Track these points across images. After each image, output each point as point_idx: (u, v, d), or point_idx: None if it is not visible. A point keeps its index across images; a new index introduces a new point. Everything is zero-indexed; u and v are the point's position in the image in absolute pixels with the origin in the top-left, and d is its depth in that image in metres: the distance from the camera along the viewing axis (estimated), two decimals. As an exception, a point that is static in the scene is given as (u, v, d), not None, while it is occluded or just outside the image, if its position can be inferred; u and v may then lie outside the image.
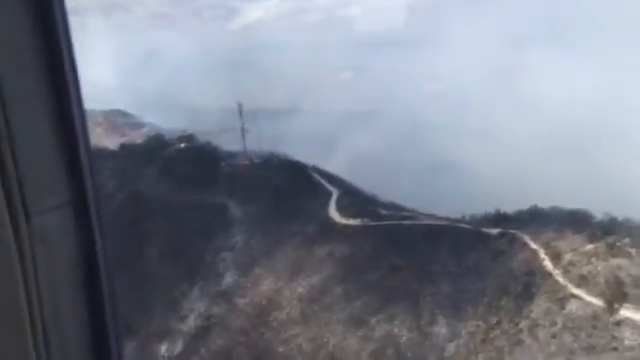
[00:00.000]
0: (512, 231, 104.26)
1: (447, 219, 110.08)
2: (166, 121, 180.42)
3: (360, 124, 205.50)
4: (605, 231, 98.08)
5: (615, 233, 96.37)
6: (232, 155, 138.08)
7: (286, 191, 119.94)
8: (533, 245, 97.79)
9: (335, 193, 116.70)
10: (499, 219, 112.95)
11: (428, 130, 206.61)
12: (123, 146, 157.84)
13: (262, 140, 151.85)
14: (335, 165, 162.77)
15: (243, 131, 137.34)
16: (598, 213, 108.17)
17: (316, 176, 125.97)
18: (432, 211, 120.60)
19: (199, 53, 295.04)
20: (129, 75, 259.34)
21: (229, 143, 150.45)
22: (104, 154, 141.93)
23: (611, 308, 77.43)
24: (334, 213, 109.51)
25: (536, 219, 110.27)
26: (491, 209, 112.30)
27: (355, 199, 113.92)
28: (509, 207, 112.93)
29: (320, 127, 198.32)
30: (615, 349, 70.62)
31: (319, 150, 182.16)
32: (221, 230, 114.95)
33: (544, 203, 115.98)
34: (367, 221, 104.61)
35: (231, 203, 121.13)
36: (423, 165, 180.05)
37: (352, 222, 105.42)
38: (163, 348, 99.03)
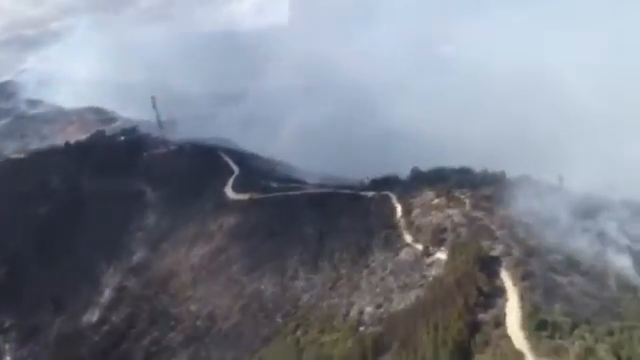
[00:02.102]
0: (385, 193, 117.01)
1: (333, 186, 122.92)
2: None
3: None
4: (459, 184, 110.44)
5: (469, 186, 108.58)
6: (155, 144, 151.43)
7: (195, 174, 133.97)
8: (396, 204, 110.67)
9: (236, 172, 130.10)
10: (384, 181, 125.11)
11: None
12: (68, 143, 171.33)
13: (190, 128, 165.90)
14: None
15: (160, 122, 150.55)
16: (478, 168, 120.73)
17: (225, 157, 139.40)
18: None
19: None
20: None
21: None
22: (55, 151, 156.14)
23: (427, 252, 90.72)
24: (229, 190, 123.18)
25: (416, 179, 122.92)
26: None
27: (251, 176, 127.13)
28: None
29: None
30: (421, 286, 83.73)
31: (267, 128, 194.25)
32: (137, 213, 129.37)
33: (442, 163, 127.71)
34: (255, 195, 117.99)
35: (148, 189, 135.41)
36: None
37: (242, 197, 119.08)
38: (84, 319, 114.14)
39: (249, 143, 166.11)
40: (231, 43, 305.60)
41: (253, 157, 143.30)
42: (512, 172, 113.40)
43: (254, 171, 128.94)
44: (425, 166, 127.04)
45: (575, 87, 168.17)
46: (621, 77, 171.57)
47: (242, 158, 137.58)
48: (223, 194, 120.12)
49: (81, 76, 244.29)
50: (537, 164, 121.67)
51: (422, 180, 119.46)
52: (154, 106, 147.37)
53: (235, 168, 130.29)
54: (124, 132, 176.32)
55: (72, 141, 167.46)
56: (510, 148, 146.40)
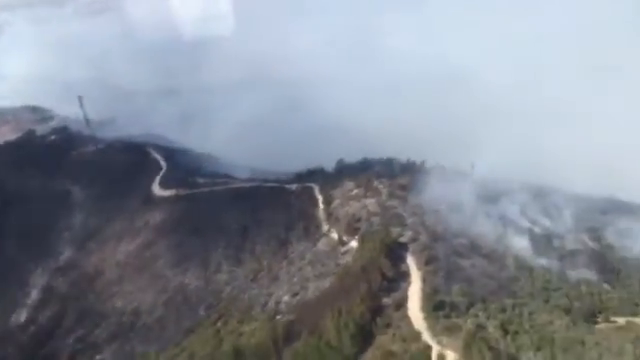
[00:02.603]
0: (309, 185, 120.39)
1: (258, 180, 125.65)
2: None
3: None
4: (379, 175, 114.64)
5: (388, 176, 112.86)
6: (84, 142, 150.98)
7: (123, 171, 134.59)
8: (318, 195, 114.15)
9: (164, 168, 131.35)
10: (309, 174, 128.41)
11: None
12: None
13: (127, 124, 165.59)
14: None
15: (87, 120, 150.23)
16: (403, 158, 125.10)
17: (154, 154, 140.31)
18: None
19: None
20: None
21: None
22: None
23: (342, 241, 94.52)
24: (156, 186, 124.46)
25: (340, 171, 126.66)
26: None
27: (179, 172, 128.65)
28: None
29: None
30: (335, 273, 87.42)
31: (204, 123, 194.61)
32: (64, 212, 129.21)
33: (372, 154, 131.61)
34: (182, 191, 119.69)
35: (75, 188, 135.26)
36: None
37: (168, 193, 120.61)
38: (12, 319, 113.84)
39: (185, 139, 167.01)
40: (172, 39, 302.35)
41: (183, 153, 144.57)
42: (434, 161, 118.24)
43: (182, 167, 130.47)
44: (355, 157, 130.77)
45: (497, 79, 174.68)
46: (540, 69, 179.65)
47: (172, 154, 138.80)
48: (150, 191, 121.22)
49: (18, 73, 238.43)
50: (458, 153, 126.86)
51: (346, 171, 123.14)
52: (81, 105, 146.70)
53: (164, 164, 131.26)
54: (55, 131, 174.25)
55: (2, 141, 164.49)
56: (435, 138, 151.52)
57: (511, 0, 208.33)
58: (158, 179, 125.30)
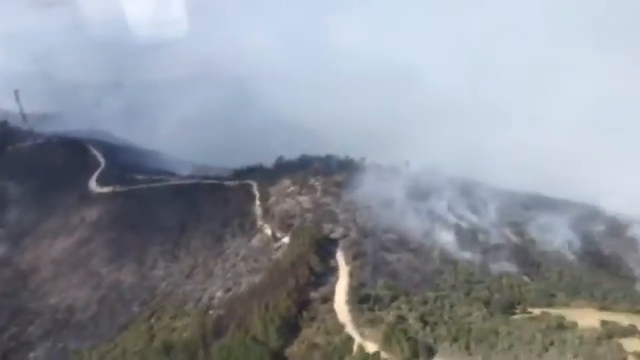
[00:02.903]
0: (247, 182, 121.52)
1: (197, 177, 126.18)
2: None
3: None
4: (316, 172, 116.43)
5: (325, 173, 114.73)
6: (22, 138, 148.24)
7: (60, 167, 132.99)
8: (255, 192, 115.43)
9: (103, 165, 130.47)
10: (249, 171, 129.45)
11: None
12: None
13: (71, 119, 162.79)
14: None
15: (23, 115, 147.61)
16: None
17: (93, 150, 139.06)
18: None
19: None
20: None
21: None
22: None
23: (275, 237, 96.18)
24: (93, 183, 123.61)
25: (279, 168, 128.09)
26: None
27: (117, 169, 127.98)
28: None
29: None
30: (266, 268, 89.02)
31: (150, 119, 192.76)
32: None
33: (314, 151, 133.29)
34: (119, 187, 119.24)
35: (11, 184, 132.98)
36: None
37: (105, 190, 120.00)
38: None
39: (130, 134, 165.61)
40: (122, 32, 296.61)
41: (125, 149, 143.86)
42: (373, 158, 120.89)
43: (122, 164, 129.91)
44: (299, 153, 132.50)
45: (440, 78, 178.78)
46: (481, 69, 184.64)
47: (111, 151, 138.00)
48: (87, 187, 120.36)
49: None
50: (396, 150, 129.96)
51: (285, 169, 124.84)
52: (17, 99, 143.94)
53: (102, 161, 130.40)
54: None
55: None
56: (375, 135, 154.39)
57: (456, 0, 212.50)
58: (96, 175, 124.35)
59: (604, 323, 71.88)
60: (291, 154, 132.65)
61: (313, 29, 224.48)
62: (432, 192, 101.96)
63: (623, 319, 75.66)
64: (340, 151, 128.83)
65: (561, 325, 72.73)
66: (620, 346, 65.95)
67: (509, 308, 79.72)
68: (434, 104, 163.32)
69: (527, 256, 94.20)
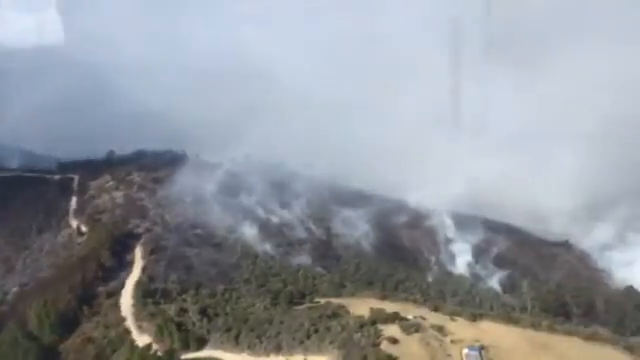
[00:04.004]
0: (71, 175, 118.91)
1: (19, 170, 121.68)
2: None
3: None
4: (142, 167, 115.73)
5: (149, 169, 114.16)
6: None
7: None
8: (75, 187, 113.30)
9: None
10: (72, 164, 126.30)
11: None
12: None
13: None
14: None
15: None
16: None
17: None
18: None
19: None
20: None
21: None
22: None
23: (80, 232, 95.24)
24: None
25: (108, 162, 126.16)
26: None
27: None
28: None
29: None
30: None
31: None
32: None
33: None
34: None
35: None
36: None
37: None
38: None
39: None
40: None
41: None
42: (211, 153, 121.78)
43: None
44: (144, 146, 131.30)
45: (296, 76, 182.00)
46: (339, 68, 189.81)
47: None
48: None
49: None
50: (243, 145, 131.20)
51: (114, 163, 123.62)
52: None
53: None
54: None
55: None
56: (226, 130, 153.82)
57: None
58: None
59: (373, 311, 77.27)
60: (136, 146, 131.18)
61: (172, 25, 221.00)
62: (245, 187, 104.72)
63: (396, 307, 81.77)
64: (186, 145, 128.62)
65: (335, 314, 77.51)
66: (378, 331, 71.39)
67: (299, 298, 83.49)
68: (286, 101, 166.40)
69: (329, 249, 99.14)
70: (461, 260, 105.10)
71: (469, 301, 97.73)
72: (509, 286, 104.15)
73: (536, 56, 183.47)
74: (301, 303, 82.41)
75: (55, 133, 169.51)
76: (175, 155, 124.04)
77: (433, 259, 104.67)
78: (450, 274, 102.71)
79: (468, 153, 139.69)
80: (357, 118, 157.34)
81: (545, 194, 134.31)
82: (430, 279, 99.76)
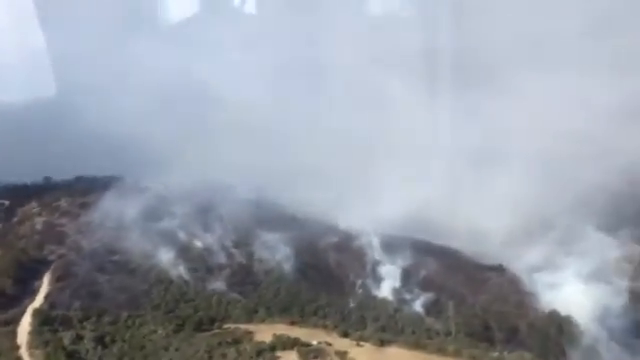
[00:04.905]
0: (2, 201, 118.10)
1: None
2: None
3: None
4: (72, 193, 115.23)
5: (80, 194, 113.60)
6: None
7: None
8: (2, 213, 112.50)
9: None
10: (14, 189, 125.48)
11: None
12: None
13: None
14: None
15: None
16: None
17: None
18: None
19: None
20: None
21: None
22: None
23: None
24: None
25: (45, 187, 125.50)
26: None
27: None
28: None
29: None
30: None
31: None
32: None
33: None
34: None
35: None
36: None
37: None
38: None
39: None
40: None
41: None
42: (160, 177, 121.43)
43: None
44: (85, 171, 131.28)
45: (248, 99, 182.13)
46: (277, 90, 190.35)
47: None
48: None
49: None
50: (185, 169, 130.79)
51: (48, 188, 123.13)
52: None
53: None
54: None
55: None
56: (170, 154, 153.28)
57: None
58: None
59: (275, 337, 77.16)
60: (77, 172, 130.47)
61: (118, 48, 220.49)
62: (169, 212, 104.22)
63: (304, 333, 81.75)
64: (129, 170, 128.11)
65: (237, 340, 77.62)
66: (275, 358, 71.51)
67: (207, 325, 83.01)
68: (230, 125, 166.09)
69: (249, 274, 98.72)
70: (387, 283, 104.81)
71: (391, 326, 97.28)
72: (435, 310, 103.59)
73: (487, 78, 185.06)
74: (209, 329, 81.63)
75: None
76: (112, 180, 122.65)
77: (359, 282, 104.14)
78: (374, 298, 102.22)
79: (405, 175, 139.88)
80: (300, 143, 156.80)
81: (482, 216, 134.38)
82: (352, 304, 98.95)
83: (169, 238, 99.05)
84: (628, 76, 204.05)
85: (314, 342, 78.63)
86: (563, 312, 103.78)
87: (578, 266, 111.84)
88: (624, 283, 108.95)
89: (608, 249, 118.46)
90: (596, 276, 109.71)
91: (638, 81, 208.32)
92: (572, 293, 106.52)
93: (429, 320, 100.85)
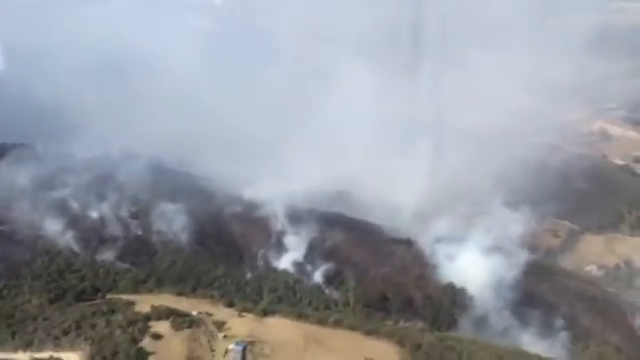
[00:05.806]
0: None
1: None
2: None
3: None
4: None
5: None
6: None
7: None
8: None
9: None
10: None
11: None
12: None
13: None
14: None
15: None
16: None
17: None
18: None
19: None
20: None
21: None
22: None
23: None
24: None
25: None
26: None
27: None
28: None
29: None
30: None
31: None
32: None
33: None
34: None
35: None
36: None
37: None
38: None
39: None
40: None
41: None
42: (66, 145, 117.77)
43: None
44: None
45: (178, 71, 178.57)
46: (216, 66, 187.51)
47: None
48: None
49: None
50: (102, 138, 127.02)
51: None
52: None
53: None
54: None
55: None
56: (96, 123, 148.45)
57: None
58: None
59: (152, 308, 76.16)
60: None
61: (56, 19, 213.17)
62: (62, 181, 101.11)
63: (189, 304, 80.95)
64: (38, 138, 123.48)
65: (113, 310, 76.05)
66: (146, 328, 70.70)
67: (90, 295, 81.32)
68: (159, 94, 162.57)
69: (145, 245, 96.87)
70: (290, 255, 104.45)
71: (289, 297, 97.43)
72: (336, 281, 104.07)
73: (429, 53, 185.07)
74: (91, 300, 79.96)
75: None
76: (12, 147, 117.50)
77: (260, 253, 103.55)
78: (275, 270, 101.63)
79: (325, 148, 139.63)
80: (221, 115, 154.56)
81: (399, 190, 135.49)
82: (250, 275, 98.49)
83: (60, 208, 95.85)
84: (571, 57, 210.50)
85: (194, 312, 77.70)
86: (461, 283, 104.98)
87: (480, 239, 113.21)
88: (522, 257, 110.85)
89: (512, 224, 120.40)
90: (496, 249, 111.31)
91: (578, 62, 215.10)
92: (470, 264, 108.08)
93: (328, 291, 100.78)
